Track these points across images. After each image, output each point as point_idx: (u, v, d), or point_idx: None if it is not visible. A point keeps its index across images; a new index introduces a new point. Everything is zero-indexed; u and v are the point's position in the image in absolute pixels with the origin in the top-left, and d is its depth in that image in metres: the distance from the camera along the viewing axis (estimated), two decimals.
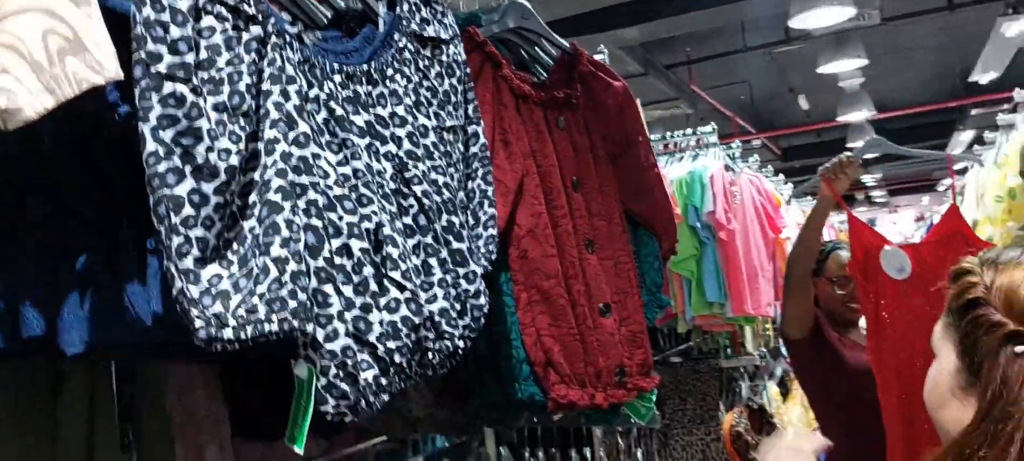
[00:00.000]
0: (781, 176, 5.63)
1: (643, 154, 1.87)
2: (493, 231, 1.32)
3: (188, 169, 0.89)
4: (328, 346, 0.97)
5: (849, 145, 10.13)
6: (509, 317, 1.41)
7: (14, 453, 1.44)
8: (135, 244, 0.98)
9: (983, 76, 7.54)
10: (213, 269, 0.91)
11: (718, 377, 3.76)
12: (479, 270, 1.22)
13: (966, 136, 10.36)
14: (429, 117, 1.22)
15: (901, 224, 14.37)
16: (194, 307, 0.87)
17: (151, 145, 0.86)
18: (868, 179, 15.15)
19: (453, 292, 1.16)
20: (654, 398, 1.77)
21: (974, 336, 0.90)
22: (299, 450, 0.98)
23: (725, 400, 3.83)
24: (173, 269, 0.87)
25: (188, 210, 0.89)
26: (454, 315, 1.15)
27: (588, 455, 2.68)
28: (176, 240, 0.87)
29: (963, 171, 9.11)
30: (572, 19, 5.24)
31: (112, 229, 0.99)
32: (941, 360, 0.96)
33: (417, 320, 1.06)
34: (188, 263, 0.88)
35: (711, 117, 8.45)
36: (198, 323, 0.87)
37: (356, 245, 1.01)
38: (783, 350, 5.05)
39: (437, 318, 1.11)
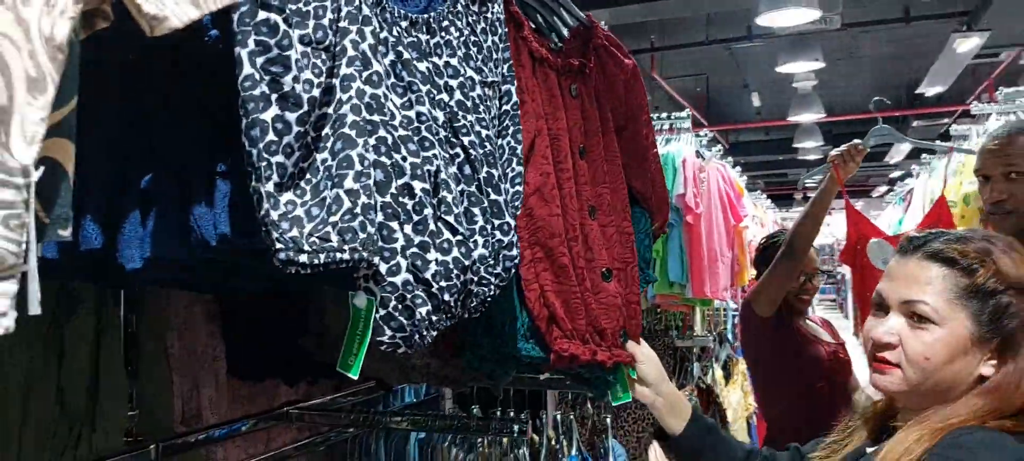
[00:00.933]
0: (738, 168, 5.78)
1: (645, 132, 1.94)
2: (520, 188, 1.37)
3: (275, 97, 0.92)
4: (391, 279, 1.01)
5: (797, 145, 10.42)
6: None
7: (22, 370, 1.45)
8: (205, 166, 1.00)
9: (930, 89, 7.84)
10: (288, 195, 0.94)
11: (673, 356, 3.88)
12: (512, 223, 1.27)
13: (905, 146, 10.73)
14: (476, 71, 1.26)
15: (833, 226, 14.80)
16: (275, 229, 0.91)
17: (247, 69, 0.88)
18: (810, 182, 15.57)
19: (491, 241, 1.21)
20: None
21: (1003, 309, 1.16)
22: (354, 376, 1.02)
23: (677, 379, 3.95)
24: (259, 191, 0.90)
25: (271, 136, 0.91)
26: (491, 263, 1.20)
27: (540, 423, 2.75)
28: (261, 164, 0.90)
29: (902, 177, 9.46)
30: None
31: (182, 150, 1.02)
32: (945, 325, 1.17)
33: (466, 263, 1.11)
34: (269, 187, 0.91)
35: (667, 105, 8.60)
36: (278, 245, 0.90)
37: (418, 186, 1.05)
38: (729, 336, 5.22)
39: (478, 265, 1.16)
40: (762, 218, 6.00)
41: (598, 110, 1.71)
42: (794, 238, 2.67)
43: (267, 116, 0.91)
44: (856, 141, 2.70)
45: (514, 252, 1.26)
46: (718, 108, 10.16)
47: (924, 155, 4.97)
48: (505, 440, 2.17)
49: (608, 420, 2.52)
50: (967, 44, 6.54)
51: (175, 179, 1.01)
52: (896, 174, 11.77)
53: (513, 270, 1.28)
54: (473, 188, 1.20)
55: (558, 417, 2.51)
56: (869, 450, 1.25)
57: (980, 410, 1.13)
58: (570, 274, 1.50)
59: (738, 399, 4.79)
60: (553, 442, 2.42)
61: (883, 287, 1.24)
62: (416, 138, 1.08)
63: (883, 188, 12.84)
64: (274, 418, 1.99)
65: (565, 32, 1.76)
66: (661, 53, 7.79)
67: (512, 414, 2.24)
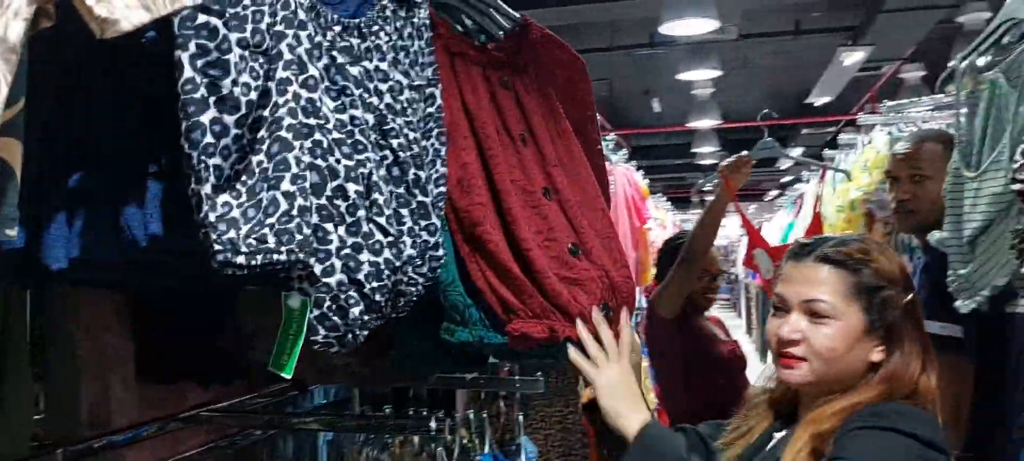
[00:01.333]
0: (641, 171, 5.95)
1: (589, 128, 1.92)
2: (443, 188, 1.40)
3: (213, 100, 0.93)
4: (326, 280, 1.03)
5: (695, 150, 10.77)
6: (450, 264, 1.46)
7: None
8: (136, 166, 1.00)
9: (818, 99, 8.25)
10: (225, 197, 0.95)
11: None
12: (438, 224, 1.30)
13: (796, 152, 11.23)
14: (404, 75, 1.29)
15: (728, 228, 15.36)
16: (213, 231, 0.92)
17: (188, 72, 0.89)
18: (707, 185, 16.10)
19: (418, 242, 1.24)
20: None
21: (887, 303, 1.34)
22: (288, 376, 1.03)
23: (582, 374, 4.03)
24: (198, 193, 0.91)
25: (209, 138, 0.92)
26: (418, 263, 1.23)
27: (454, 422, 2.78)
28: (200, 166, 0.91)
29: (791, 183, 9.84)
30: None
31: (112, 149, 1.01)
32: (842, 318, 1.34)
33: (397, 264, 1.14)
34: (207, 189, 0.92)
35: None
36: (216, 247, 0.92)
37: (351, 188, 1.07)
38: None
39: (407, 265, 1.19)
40: (663, 220, 6.19)
41: (541, 99, 1.66)
42: (692, 244, 2.80)
43: (205, 119, 0.92)
44: (744, 153, 2.85)
45: (440, 252, 1.29)
46: (620, 112, 10.40)
47: (814, 164, 5.24)
48: (417, 439, 2.19)
49: (520, 418, 2.57)
50: (852, 57, 6.92)
51: (105, 178, 1.00)
52: (787, 179, 12.32)
53: (439, 270, 1.31)
54: (401, 190, 1.23)
55: (471, 416, 2.55)
56: (778, 435, 1.39)
57: (878, 394, 1.31)
58: (502, 257, 1.44)
59: None
60: (466, 441, 2.46)
61: (782, 290, 1.39)
62: (350, 141, 1.10)
63: (775, 192, 13.41)
64: (183, 421, 1.96)
65: (499, 34, 1.73)
66: None
67: (425, 414, 2.26)
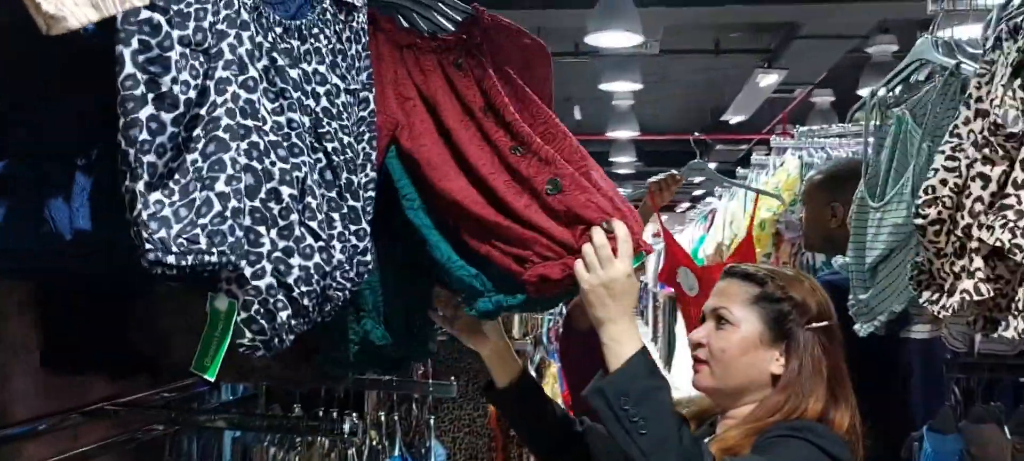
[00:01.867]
0: None
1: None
2: (372, 193, 1.40)
3: (151, 96, 0.91)
4: (255, 283, 1.02)
5: (612, 159, 10.94)
6: (443, 247, 1.49)
7: None
8: (65, 158, 0.97)
9: (733, 117, 8.50)
10: (157, 195, 0.93)
11: None
12: (367, 228, 1.31)
13: (710, 167, 11.55)
14: (341, 79, 1.29)
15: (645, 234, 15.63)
16: (144, 229, 0.90)
17: (129, 68, 0.88)
18: (621, 192, 16.36)
19: (347, 247, 1.24)
20: None
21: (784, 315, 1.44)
22: (210, 378, 1.02)
23: None
24: (133, 190, 0.89)
25: (145, 135, 0.91)
26: (347, 269, 1.23)
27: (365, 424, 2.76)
28: (135, 163, 0.89)
29: (703, 196, 10.10)
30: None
31: (39, 138, 0.98)
32: (741, 326, 1.44)
33: (327, 268, 1.14)
34: (140, 186, 0.91)
35: None
36: (147, 245, 0.90)
37: (285, 191, 1.07)
38: (543, 339, 5.43)
39: (336, 270, 1.19)
40: None
41: (498, 76, 1.62)
42: None
43: (143, 115, 0.91)
44: (674, 172, 2.92)
45: (368, 257, 1.29)
46: None
47: (726, 181, 5.40)
48: (326, 440, 2.17)
49: (432, 421, 2.58)
50: (767, 79, 7.17)
51: (31, 167, 0.97)
52: (698, 192, 12.65)
53: (367, 275, 1.31)
54: (333, 194, 1.22)
55: (381, 417, 2.54)
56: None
57: (781, 405, 1.39)
58: (491, 219, 1.45)
59: None
60: (375, 443, 2.45)
61: (706, 303, 1.51)
62: (286, 144, 1.10)
63: (686, 204, 13.73)
64: (85, 414, 1.90)
65: (450, 27, 1.71)
66: None
67: (335, 415, 2.24)
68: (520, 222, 1.43)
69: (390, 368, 1.74)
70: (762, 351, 1.43)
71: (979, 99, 1.56)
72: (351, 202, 1.26)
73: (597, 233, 1.35)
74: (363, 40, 1.39)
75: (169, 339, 1.71)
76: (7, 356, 1.68)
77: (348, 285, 1.24)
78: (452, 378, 2.68)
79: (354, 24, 1.37)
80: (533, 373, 5.02)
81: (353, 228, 1.26)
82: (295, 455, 2.20)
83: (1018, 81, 1.49)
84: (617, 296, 1.33)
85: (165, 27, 0.92)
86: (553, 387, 5.20)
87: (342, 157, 1.25)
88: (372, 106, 1.41)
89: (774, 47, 7.30)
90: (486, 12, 1.66)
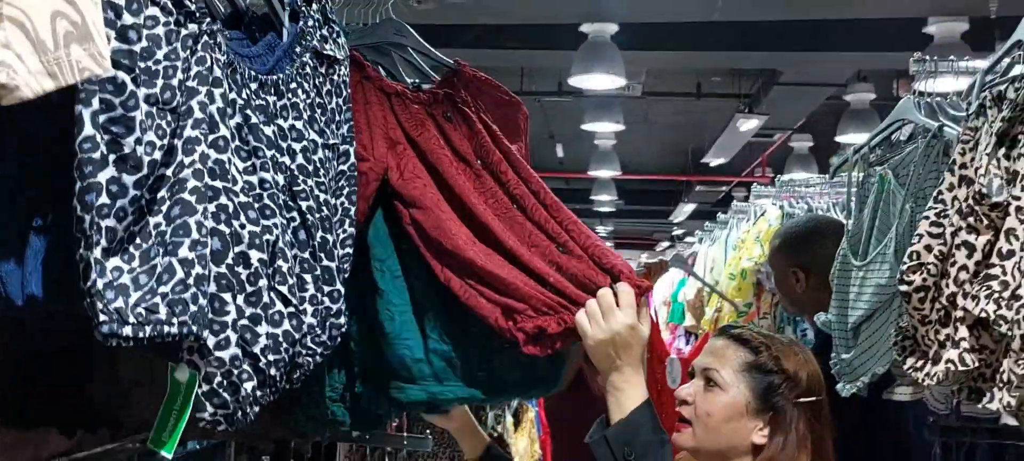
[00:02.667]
0: None
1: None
2: (350, 250, 1.36)
3: (112, 158, 0.87)
4: (218, 354, 0.97)
5: (594, 197, 10.96)
6: (398, 317, 1.42)
7: None
8: (18, 218, 0.92)
9: (714, 159, 8.54)
10: (115, 262, 0.88)
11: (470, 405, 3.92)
12: (342, 289, 1.26)
13: (689, 207, 11.59)
14: (319, 134, 1.25)
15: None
16: (99, 300, 0.85)
17: (88, 130, 0.83)
18: (602, 230, 16.40)
19: (320, 310, 1.19)
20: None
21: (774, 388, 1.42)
22: (168, 455, 0.97)
23: None
24: (87, 259, 0.84)
25: (104, 199, 0.86)
26: (318, 332, 1.18)
27: None
28: (91, 228, 0.85)
29: (682, 236, 10.09)
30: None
31: None
32: (729, 391, 1.42)
33: (296, 336, 1.09)
34: (97, 253, 0.86)
35: None
36: (102, 317, 0.85)
37: (255, 256, 1.02)
38: None
39: (306, 336, 1.14)
40: None
41: (485, 130, 1.61)
42: None
43: (102, 178, 0.86)
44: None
45: (341, 320, 1.25)
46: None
47: (707, 223, 5.40)
48: None
49: None
50: (748, 124, 7.21)
51: None
52: (678, 232, 12.68)
53: (339, 338, 1.26)
54: (306, 254, 1.18)
55: None
56: None
57: None
58: (487, 265, 1.41)
59: (525, 446, 4.92)
60: None
61: (697, 360, 1.50)
62: (257, 205, 1.05)
63: (665, 244, 13.77)
64: None
65: (433, 75, 1.70)
66: None
67: None
68: (526, 271, 1.39)
69: (365, 425, 1.68)
70: (747, 420, 1.41)
71: (963, 166, 1.55)
72: (325, 262, 1.22)
73: (604, 290, 1.35)
74: (344, 93, 1.36)
75: (131, 391, 1.64)
76: None
77: (319, 350, 1.19)
78: (427, 431, 2.62)
79: (335, 77, 1.33)
80: (511, 418, 4.95)
81: (327, 289, 1.22)
82: None
83: (1002, 150, 1.48)
84: (620, 347, 1.31)
85: (130, 86, 0.87)
86: (531, 431, 5.14)
87: (317, 215, 1.20)
88: (352, 160, 1.37)
89: (754, 92, 7.36)
90: (467, 66, 1.65)
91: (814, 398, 1.44)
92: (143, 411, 1.72)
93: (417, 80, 1.68)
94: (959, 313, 1.47)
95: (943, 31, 5.01)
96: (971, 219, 1.49)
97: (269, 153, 1.10)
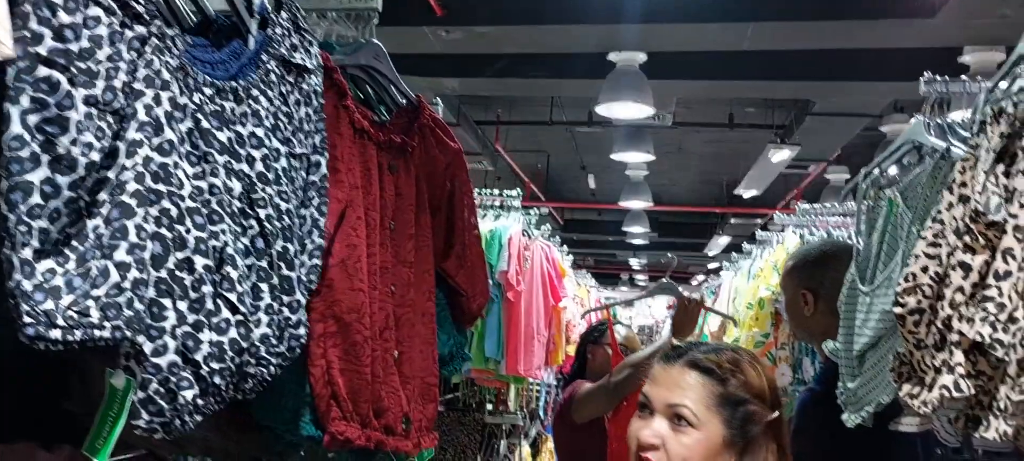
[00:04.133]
0: (565, 247, 5.96)
1: (466, 214, 1.95)
2: (317, 261, 1.34)
3: (45, 158, 0.86)
4: (155, 360, 0.96)
5: (626, 228, 10.89)
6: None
7: None
8: None
9: (746, 191, 8.43)
10: (48, 264, 0.87)
11: (480, 431, 3.90)
12: (303, 300, 1.25)
13: (723, 240, 11.46)
14: (282, 142, 1.24)
15: (655, 308, 15.50)
16: (25, 301, 0.84)
17: (17, 128, 0.83)
18: (635, 263, 16.27)
19: (277, 319, 1.18)
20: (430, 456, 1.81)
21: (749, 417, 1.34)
22: None
23: (483, 454, 3.97)
24: (11, 259, 0.84)
25: (36, 199, 0.86)
26: (274, 342, 1.16)
27: None
28: (20, 229, 0.84)
29: (717, 270, 10.03)
30: (397, 58, 5.32)
31: None
32: (703, 430, 1.32)
33: (244, 345, 1.07)
34: (26, 254, 0.85)
35: (508, 177, 8.79)
36: (26, 319, 0.84)
37: (199, 262, 1.01)
38: (541, 413, 5.31)
39: (258, 344, 1.12)
40: (583, 298, 6.19)
41: (415, 188, 1.71)
42: (626, 382, 2.72)
43: (34, 177, 0.86)
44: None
45: (301, 331, 1.23)
46: (556, 185, 10.49)
47: (734, 254, 5.32)
48: None
49: None
50: (780, 155, 7.11)
51: None
52: (714, 266, 12.53)
53: (298, 350, 1.24)
54: (264, 263, 1.17)
55: None
56: None
57: None
58: (363, 353, 1.45)
59: None
60: None
61: (649, 390, 1.37)
62: (205, 211, 1.04)
63: (701, 277, 13.60)
64: None
65: (393, 108, 1.76)
66: (506, 128, 7.99)
67: None
68: (370, 374, 1.47)
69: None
70: (721, 456, 1.33)
71: (963, 184, 1.49)
72: (285, 271, 1.21)
73: None
74: (315, 103, 1.35)
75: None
76: None
77: (275, 360, 1.18)
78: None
79: (305, 86, 1.33)
80: (528, 448, 4.90)
81: (285, 299, 1.20)
82: None
83: (1001, 167, 1.42)
84: None
85: (65, 85, 0.87)
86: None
87: (277, 224, 1.19)
88: (324, 171, 1.37)
89: (787, 123, 7.26)
90: (427, 107, 1.73)
91: (778, 411, 1.38)
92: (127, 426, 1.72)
93: (383, 108, 1.73)
94: (954, 337, 1.41)
95: (978, 60, 4.92)
96: (967, 238, 1.43)
97: (222, 159, 1.09)
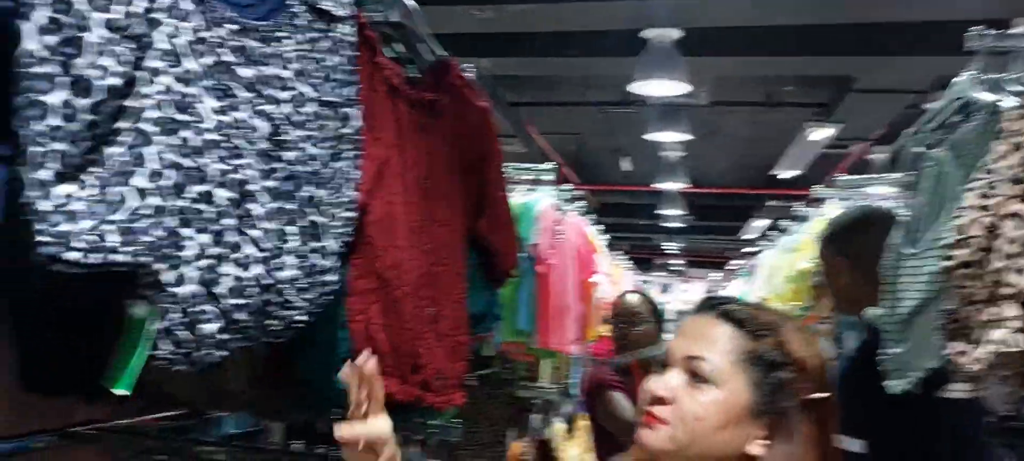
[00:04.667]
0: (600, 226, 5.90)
1: (494, 176, 1.93)
2: (351, 214, 1.32)
3: (63, 80, 0.85)
4: (175, 290, 0.94)
5: (661, 211, 10.79)
6: (340, 305, 1.40)
7: None
8: None
9: (785, 172, 8.29)
10: (68, 187, 0.87)
11: (512, 405, 3.88)
12: (334, 248, 1.22)
13: (761, 223, 11.30)
14: (312, 88, 1.21)
15: (691, 292, 15.37)
16: (42, 222, 0.83)
17: (32, 45, 0.81)
18: (671, 247, 16.14)
19: (304, 263, 1.15)
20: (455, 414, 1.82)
21: (781, 385, 1.10)
22: (124, 392, 0.93)
23: (515, 429, 3.95)
24: (28, 178, 0.82)
25: (56, 120, 0.84)
26: (303, 286, 1.14)
27: None
28: (37, 149, 0.83)
29: (753, 253, 9.93)
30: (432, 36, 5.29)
31: None
32: (724, 388, 1.10)
33: (269, 281, 1.05)
34: (44, 175, 0.84)
35: (540, 159, 8.73)
36: (43, 238, 0.83)
37: (221, 194, 0.99)
38: (572, 390, 5.28)
39: (284, 285, 1.10)
40: (616, 277, 6.14)
41: (445, 147, 1.69)
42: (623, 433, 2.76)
43: (53, 99, 0.84)
44: None
45: (331, 278, 1.21)
46: (590, 168, 10.41)
47: (770, 232, 5.23)
48: None
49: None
50: (819, 134, 6.98)
51: None
52: (750, 249, 12.38)
53: (329, 298, 1.22)
54: (291, 206, 1.14)
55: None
56: None
57: None
58: (403, 309, 1.46)
59: (576, 455, 4.82)
60: None
61: (671, 343, 1.18)
62: (227, 145, 1.02)
63: (738, 260, 13.44)
64: (69, 437, 1.83)
65: (423, 67, 1.75)
66: (537, 108, 7.93)
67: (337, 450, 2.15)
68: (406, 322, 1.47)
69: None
70: (744, 425, 1.10)
71: (1015, 132, 1.43)
72: (313, 217, 1.18)
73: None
74: (347, 53, 1.33)
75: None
76: None
77: (304, 305, 1.15)
78: (458, 422, 2.57)
79: (334, 34, 1.30)
80: (562, 425, 4.86)
81: (314, 245, 1.18)
82: None
83: None
84: None
85: (83, 6, 0.85)
86: (587, 440, 5.03)
87: (305, 168, 1.17)
88: (356, 124, 1.34)
89: (827, 101, 7.11)
90: (455, 66, 1.71)
91: (827, 394, 1.13)
92: (175, 384, 1.72)
93: (412, 66, 1.72)
94: (1006, 289, 1.35)
95: None
96: (1020, 187, 1.36)
97: (246, 96, 1.07)
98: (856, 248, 2.20)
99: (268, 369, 1.60)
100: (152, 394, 1.81)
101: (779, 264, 3.98)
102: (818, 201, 3.68)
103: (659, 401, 1.11)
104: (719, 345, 1.12)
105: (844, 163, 8.75)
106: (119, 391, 0.93)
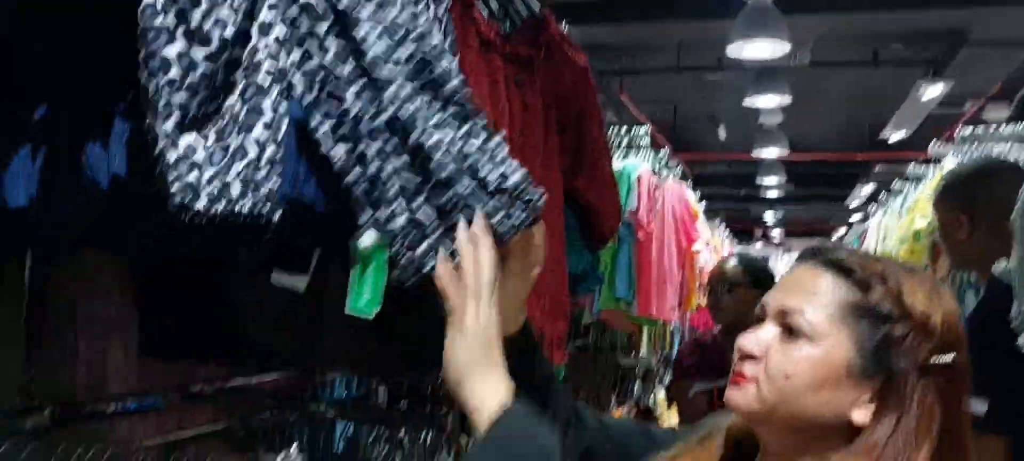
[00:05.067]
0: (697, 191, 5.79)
1: (594, 133, 1.90)
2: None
3: (180, 31, 0.87)
4: (390, 226, 0.98)
5: (760, 180, 10.51)
6: None
7: None
8: (102, 104, 0.94)
9: (894, 134, 7.94)
10: (190, 138, 0.89)
11: (614, 372, 3.85)
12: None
13: (867, 189, 10.88)
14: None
15: (781, 264, 14.98)
16: (171, 172, 0.86)
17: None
18: (769, 217, 15.73)
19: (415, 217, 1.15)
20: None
21: (892, 342, 0.96)
22: (369, 315, 1.00)
23: (617, 396, 3.93)
24: (156, 130, 0.84)
25: (175, 73, 0.86)
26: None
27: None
28: (160, 102, 0.85)
29: (863, 220, 9.57)
30: None
31: (77, 83, 0.95)
32: (822, 344, 0.97)
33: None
34: (168, 126, 0.86)
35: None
36: (175, 187, 0.86)
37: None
38: (672, 359, 5.22)
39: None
40: (717, 245, 6.01)
41: (542, 105, 1.67)
42: None
43: (170, 52, 0.86)
44: None
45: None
46: (684, 137, 10.21)
47: (882, 194, 5.02)
48: (429, 436, 2.11)
49: None
50: (931, 92, 6.65)
51: (67, 113, 0.94)
52: (856, 218, 11.95)
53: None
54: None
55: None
56: None
57: None
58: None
59: (676, 423, 4.77)
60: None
61: (767, 295, 1.05)
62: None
63: (843, 229, 13.00)
64: (190, 397, 1.90)
65: (518, 21, 1.73)
66: (631, 77, 7.81)
67: (444, 410, 2.17)
68: None
69: None
70: (845, 388, 0.96)
71: None
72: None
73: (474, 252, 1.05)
74: (445, 33, 1.32)
75: (279, 326, 1.69)
76: (105, 335, 1.70)
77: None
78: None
79: (437, 12, 1.29)
80: (663, 394, 4.81)
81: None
82: (402, 453, 2.15)
83: None
84: (472, 350, 1.03)
85: None
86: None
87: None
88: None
89: (939, 56, 6.76)
90: (552, 20, 1.67)
91: (949, 357, 0.96)
92: (291, 346, 1.77)
93: (508, 24, 1.72)
94: None
95: None
96: None
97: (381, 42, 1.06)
98: (977, 201, 2.08)
99: (372, 327, 1.63)
100: (262, 353, 1.88)
101: (891, 226, 3.81)
102: (933, 161, 3.50)
103: (749, 358, 1.00)
104: (819, 296, 0.98)
105: (957, 123, 8.32)
106: (365, 314, 1.00)
